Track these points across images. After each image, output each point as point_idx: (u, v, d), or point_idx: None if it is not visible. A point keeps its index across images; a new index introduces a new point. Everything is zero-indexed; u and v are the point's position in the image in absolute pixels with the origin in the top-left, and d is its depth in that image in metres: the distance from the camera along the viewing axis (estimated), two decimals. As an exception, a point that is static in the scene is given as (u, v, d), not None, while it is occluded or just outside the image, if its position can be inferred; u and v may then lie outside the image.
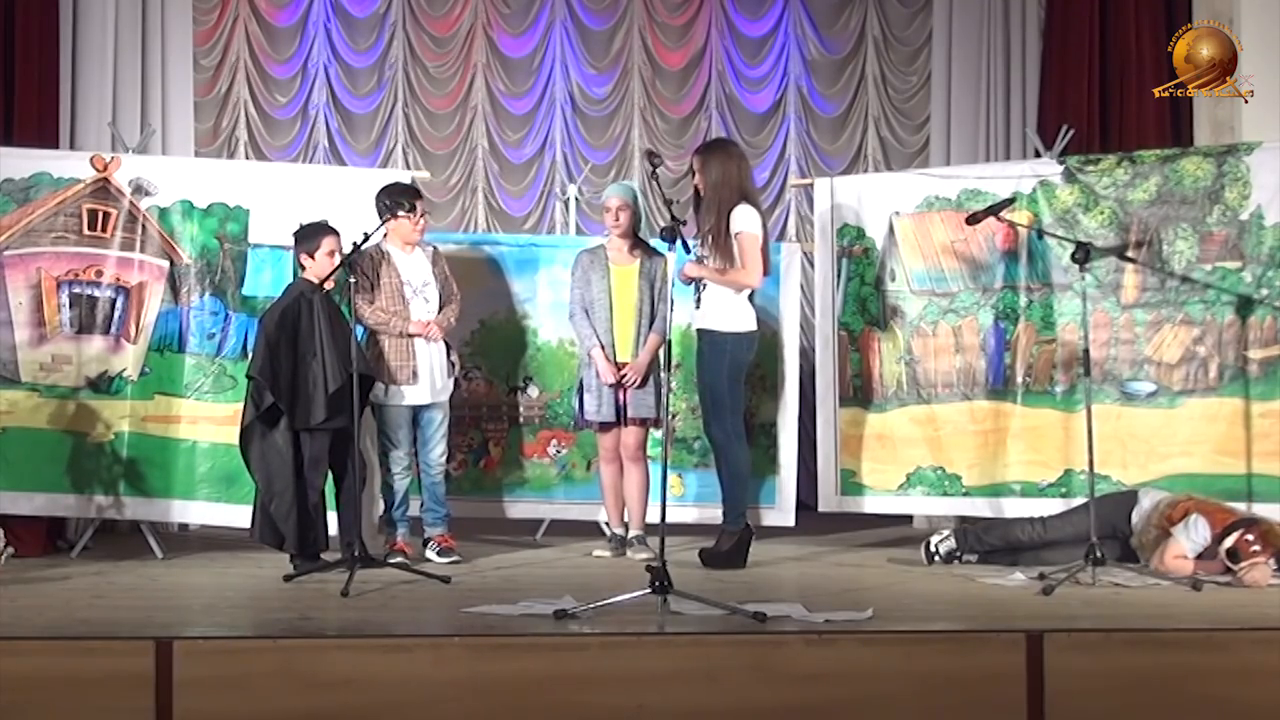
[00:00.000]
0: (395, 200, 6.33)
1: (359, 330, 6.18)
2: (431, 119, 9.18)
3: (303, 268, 6.19)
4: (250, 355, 6.11)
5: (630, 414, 6.62)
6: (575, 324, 6.75)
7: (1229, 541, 5.69)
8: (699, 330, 6.36)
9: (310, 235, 6.18)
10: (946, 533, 6.39)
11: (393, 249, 6.45)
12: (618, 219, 6.66)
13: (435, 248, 6.65)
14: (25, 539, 6.52)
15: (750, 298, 6.41)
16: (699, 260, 6.25)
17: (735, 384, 6.34)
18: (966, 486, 6.92)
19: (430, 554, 6.41)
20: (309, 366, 5.88)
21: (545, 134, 9.28)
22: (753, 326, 6.38)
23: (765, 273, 6.47)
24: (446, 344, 6.52)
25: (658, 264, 6.64)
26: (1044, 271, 6.86)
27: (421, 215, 6.46)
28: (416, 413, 6.45)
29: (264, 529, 5.94)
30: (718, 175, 6.32)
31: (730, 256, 6.22)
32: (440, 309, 6.47)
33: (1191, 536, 5.81)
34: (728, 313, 6.28)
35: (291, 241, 6.29)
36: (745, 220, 6.25)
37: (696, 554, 6.28)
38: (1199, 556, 5.80)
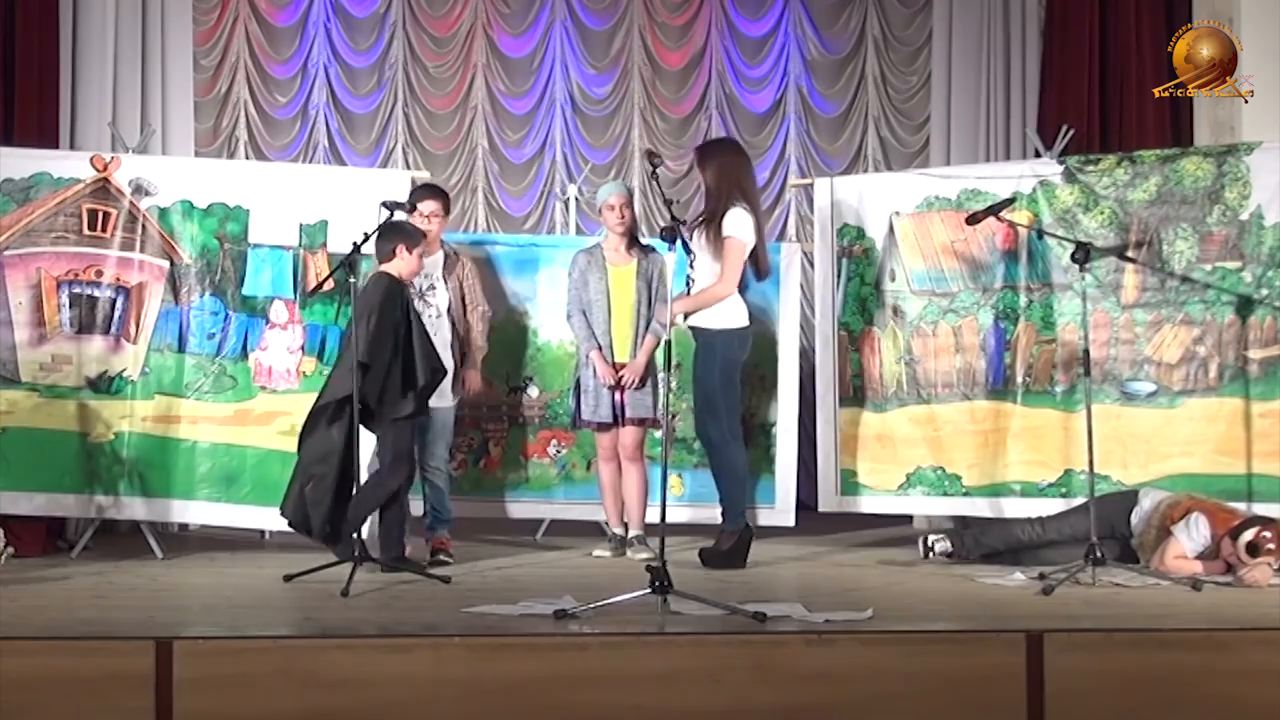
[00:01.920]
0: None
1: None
2: (431, 119, 9.18)
3: (387, 259, 6.09)
4: (350, 342, 5.92)
5: (629, 414, 6.61)
6: (573, 325, 6.75)
7: (1248, 535, 5.68)
8: (691, 328, 6.36)
9: (413, 233, 6.17)
10: (944, 537, 6.38)
11: None
12: (623, 216, 6.65)
13: (455, 253, 6.64)
14: (25, 539, 6.52)
15: (744, 293, 6.40)
16: (690, 267, 6.26)
17: (728, 383, 6.31)
18: (966, 486, 6.92)
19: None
20: (405, 361, 5.92)
21: (545, 134, 9.28)
22: (744, 322, 6.36)
23: (764, 274, 6.47)
24: (463, 354, 6.53)
25: (655, 263, 6.64)
26: (1044, 271, 6.86)
27: (429, 216, 6.43)
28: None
29: (296, 509, 5.89)
30: (714, 172, 6.36)
31: (718, 255, 6.22)
32: (445, 312, 6.46)
33: (1192, 536, 5.81)
34: (717, 309, 6.27)
35: (374, 233, 6.21)
36: (736, 225, 6.24)
37: (696, 554, 6.27)
38: (1200, 556, 5.80)
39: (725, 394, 6.29)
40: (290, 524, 5.97)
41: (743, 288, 6.38)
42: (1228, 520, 5.83)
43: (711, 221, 6.28)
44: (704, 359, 6.30)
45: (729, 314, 6.30)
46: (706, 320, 6.27)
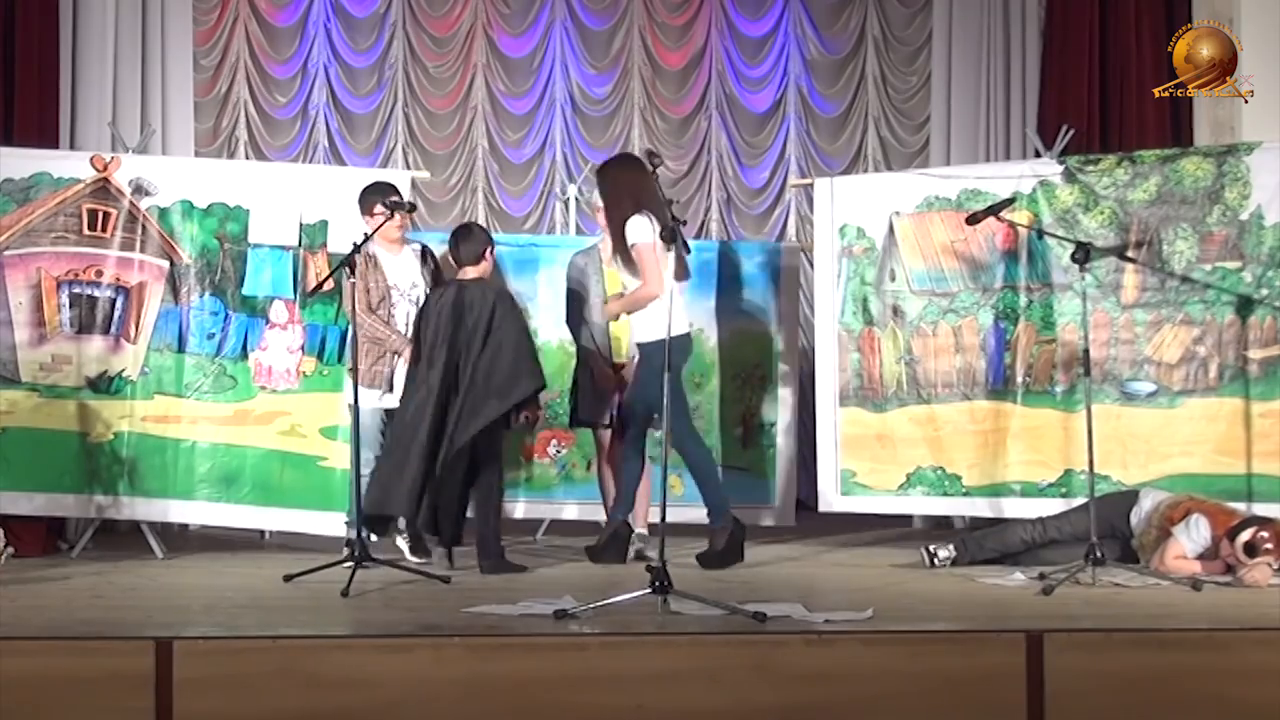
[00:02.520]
0: (393, 200, 6.31)
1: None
2: (431, 119, 9.19)
3: (475, 263, 6.16)
4: (458, 346, 6.03)
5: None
6: (571, 327, 6.74)
7: (1245, 535, 5.67)
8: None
9: (488, 235, 6.30)
10: (946, 545, 6.36)
11: (379, 250, 6.40)
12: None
13: (425, 247, 6.62)
14: (25, 539, 6.53)
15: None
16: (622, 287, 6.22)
17: (672, 389, 6.21)
18: (966, 486, 6.93)
19: (402, 546, 6.37)
20: None
21: (545, 134, 9.29)
22: (681, 330, 6.19)
23: (681, 277, 6.29)
24: None
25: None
26: (1044, 271, 6.86)
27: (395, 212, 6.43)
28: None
29: (428, 517, 5.98)
30: (608, 190, 6.27)
31: (633, 268, 6.16)
32: None
33: (1192, 536, 5.81)
34: (651, 321, 6.11)
35: (450, 238, 6.33)
36: (637, 231, 6.10)
37: (695, 557, 6.25)
38: (1200, 556, 5.80)
39: (672, 399, 6.22)
40: (422, 529, 6.01)
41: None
42: (1227, 521, 5.82)
43: (618, 239, 6.20)
44: (644, 369, 6.23)
45: (664, 323, 6.21)
46: (642, 332, 6.17)
